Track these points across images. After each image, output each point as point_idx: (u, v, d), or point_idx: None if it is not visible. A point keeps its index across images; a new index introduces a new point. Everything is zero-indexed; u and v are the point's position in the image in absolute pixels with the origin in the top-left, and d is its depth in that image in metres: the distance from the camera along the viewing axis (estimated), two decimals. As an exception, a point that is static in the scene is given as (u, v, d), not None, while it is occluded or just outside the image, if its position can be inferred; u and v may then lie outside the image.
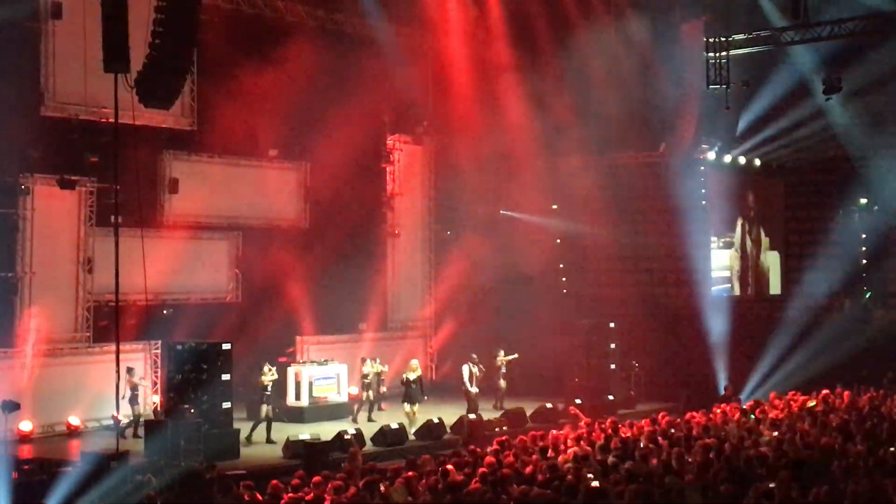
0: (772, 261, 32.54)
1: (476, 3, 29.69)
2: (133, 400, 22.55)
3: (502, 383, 26.68)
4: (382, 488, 13.48)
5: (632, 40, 28.52)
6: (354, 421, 24.02)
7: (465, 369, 25.06)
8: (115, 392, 18.80)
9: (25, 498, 15.86)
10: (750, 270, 31.79)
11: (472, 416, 23.10)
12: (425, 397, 25.00)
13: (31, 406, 22.29)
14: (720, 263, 31.10)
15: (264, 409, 22.35)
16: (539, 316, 29.87)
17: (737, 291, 31.34)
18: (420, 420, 23.15)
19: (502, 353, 26.79)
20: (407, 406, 23.73)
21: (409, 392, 23.91)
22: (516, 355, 26.76)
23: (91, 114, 23.64)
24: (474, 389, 24.84)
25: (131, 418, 22.37)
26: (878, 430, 17.51)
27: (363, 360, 25.43)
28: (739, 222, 31.63)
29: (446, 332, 31.66)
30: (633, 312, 29.22)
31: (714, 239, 30.60)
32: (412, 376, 24.04)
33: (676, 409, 24.18)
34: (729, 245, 31.45)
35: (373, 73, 28.34)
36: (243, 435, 21.60)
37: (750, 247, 31.85)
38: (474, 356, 25.33)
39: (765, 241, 32.30)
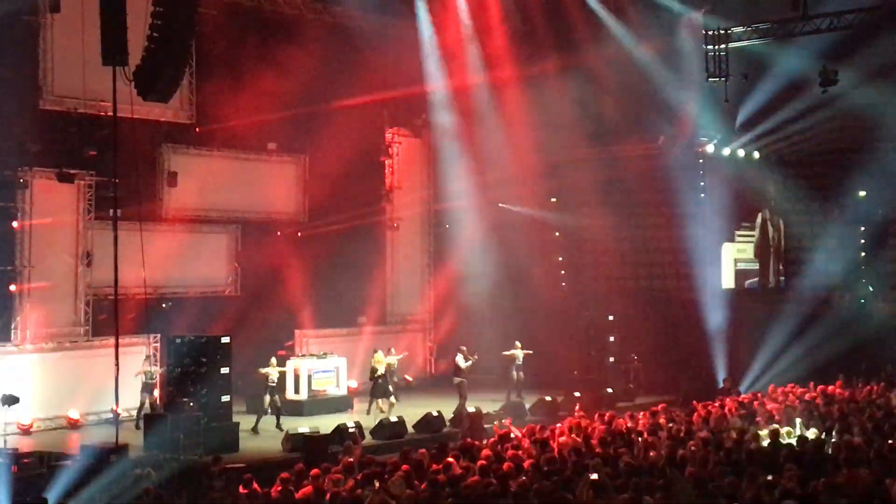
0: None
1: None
2: (146, 388, 22.80)
3: (519, 375, 26.47)
4: (379, 482, 13.48)
5: (631, 33, 28.48)
6: (368, 413, 24.11)
7: (460, 359, 24.93)
8: (115, 385, 18.80)
9: (25, 491, 15.86)
10: (772, 261, 31.81)
11: (471, 409, 23.06)
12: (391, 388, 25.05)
13: (30, 399, 22.31)
14: (745, 256, 31.25)
15: (267, 399, 22.48)
16: (538, 309, 29.87)
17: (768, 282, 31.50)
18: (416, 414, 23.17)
19: (518, 344, 26.70)
20: (381, 401, 23.80)
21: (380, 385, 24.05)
22: (531, 351, 26.51)
23: (90, 107, 23.61)
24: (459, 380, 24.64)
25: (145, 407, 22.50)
26: (877, 422, 17.53)
27: (375, 351, 25.39)
28: (760, 213, 31.70)
29: (445, 325, 31.65)
30: (631, 305, 29.23)
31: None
32: (381, 369, 24.14)
33: (675, 402, 24.22)
34: (749, 238, 31.57)
35: (371, 65, 28.30)
36: (244, 427, 21.63)
37: (773, 236, 31.90)
38: (464, 348, 25.17)
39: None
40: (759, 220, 31.62)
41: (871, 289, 31.09)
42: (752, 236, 31.41)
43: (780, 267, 31.94)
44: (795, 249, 32.04)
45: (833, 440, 16.03)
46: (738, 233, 30.82)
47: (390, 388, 24.25)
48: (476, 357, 24.96)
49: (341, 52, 28.20)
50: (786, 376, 25.72)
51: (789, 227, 32.24)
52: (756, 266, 31.58)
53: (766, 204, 31.74)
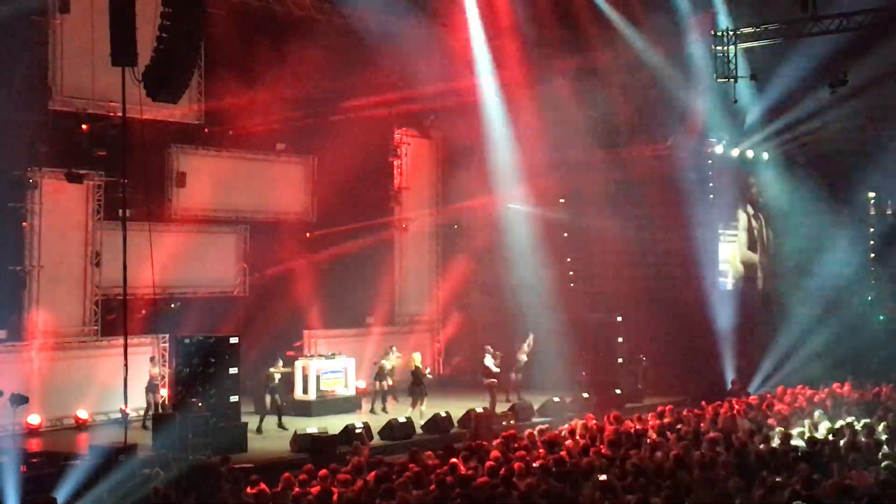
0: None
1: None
2: (151, 389, 22.87)
3: (518, 377, 26.50)
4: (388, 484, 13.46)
5: (641, 35, 28.45)
6: (372, 412, 24.13)
7: (489, 360, 24.88)
8: (123, 385, 18.82)
9: (34, 491, 15.89)
10: (764, 262, 31.77)
11: (479, 409, 23.04)
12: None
13: (39, 399, 22.37)
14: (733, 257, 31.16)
15: (268, 399, 22.61)
16: (547, 310, 29.80)
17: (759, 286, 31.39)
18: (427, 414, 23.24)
19: (525, 347, 26.69)
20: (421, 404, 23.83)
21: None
22: (500, 353, 25.95)
23: (99, 108, 23.68)
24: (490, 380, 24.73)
25: (150, 407, 22.56)
26: (886, 423, 17.48)
27: (387, 351, 25.46)
28: (750, 214, 31.60)
29: (454, 326, 31.63)
30: (640, 306, 29.13)
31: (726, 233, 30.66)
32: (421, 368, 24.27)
33: (684, 402, 24.16)
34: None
35: (380, 66, 28.28)
36: (252, 427, 21.64)
37: (767, 239, 31.85)
38: (489, 348, 25.18)
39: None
40: (741, 219, 31.53)
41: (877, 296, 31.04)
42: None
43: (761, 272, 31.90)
44: (804, 250, 31.96)
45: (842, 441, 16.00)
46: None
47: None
48: (501, 353, 24.96)
49: (350, 53, 28.19)
50: (795, 377, 25.68)
51: (796, 228, 32.22)
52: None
53: (752, 202, 31.66)
